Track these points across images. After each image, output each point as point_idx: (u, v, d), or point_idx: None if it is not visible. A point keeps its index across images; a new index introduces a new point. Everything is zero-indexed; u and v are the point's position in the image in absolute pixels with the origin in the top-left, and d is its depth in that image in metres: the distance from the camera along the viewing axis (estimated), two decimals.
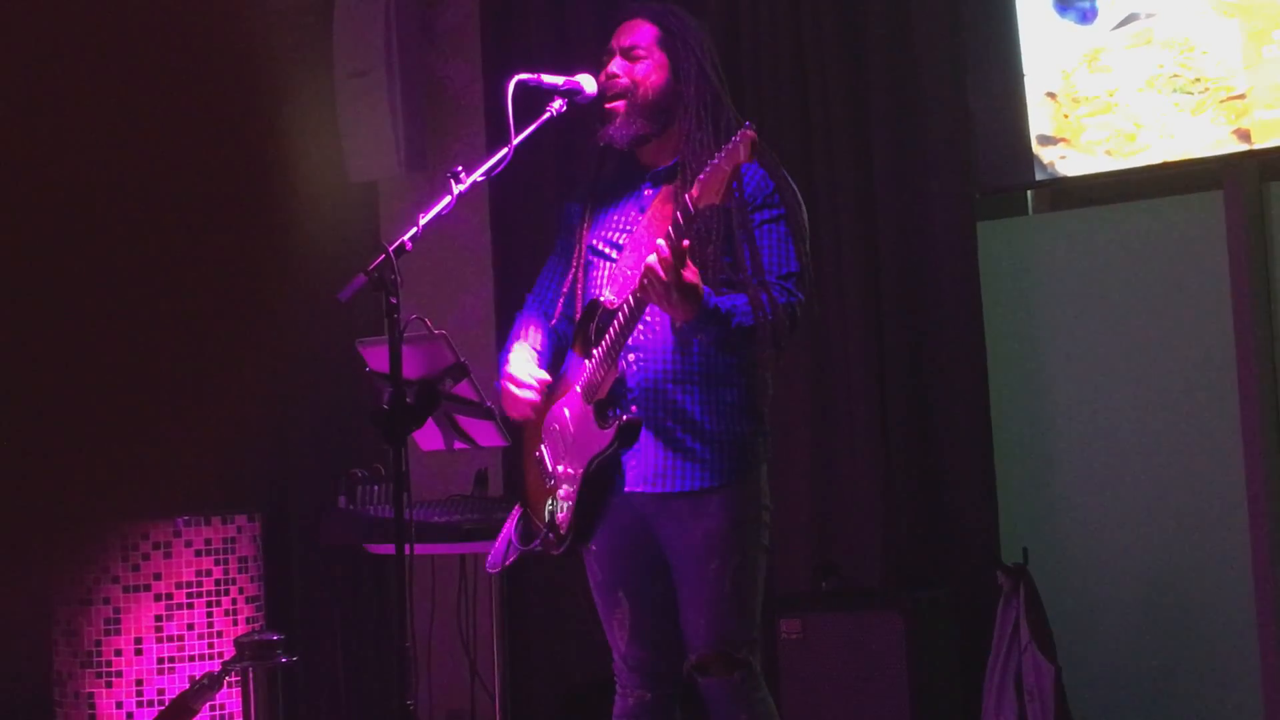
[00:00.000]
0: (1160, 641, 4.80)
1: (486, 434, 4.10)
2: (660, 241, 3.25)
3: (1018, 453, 5.00)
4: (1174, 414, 4.83)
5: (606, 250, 3.59)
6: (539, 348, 3.65)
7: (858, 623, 4.56)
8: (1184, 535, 4.80)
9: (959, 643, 4.69)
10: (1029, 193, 5.19)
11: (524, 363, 3.57)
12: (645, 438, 3.47)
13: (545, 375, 3.55)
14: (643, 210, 3.57)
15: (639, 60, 3.56)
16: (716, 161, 3.21)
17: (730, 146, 3.19)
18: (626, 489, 3.50)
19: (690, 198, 3.24)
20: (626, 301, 3.37)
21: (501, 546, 3.77)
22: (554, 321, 3.68)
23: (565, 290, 3.64)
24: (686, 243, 3.22)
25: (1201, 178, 4.79)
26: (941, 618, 4.67)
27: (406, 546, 3.29)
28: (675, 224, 3.26)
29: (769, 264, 3.43)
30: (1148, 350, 4.88)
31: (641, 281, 3.25)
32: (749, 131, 3.19)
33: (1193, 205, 4.84)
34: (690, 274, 3.21)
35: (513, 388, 3.52)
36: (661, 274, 3.20)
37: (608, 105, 3.55)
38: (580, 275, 3.61)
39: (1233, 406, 4.65)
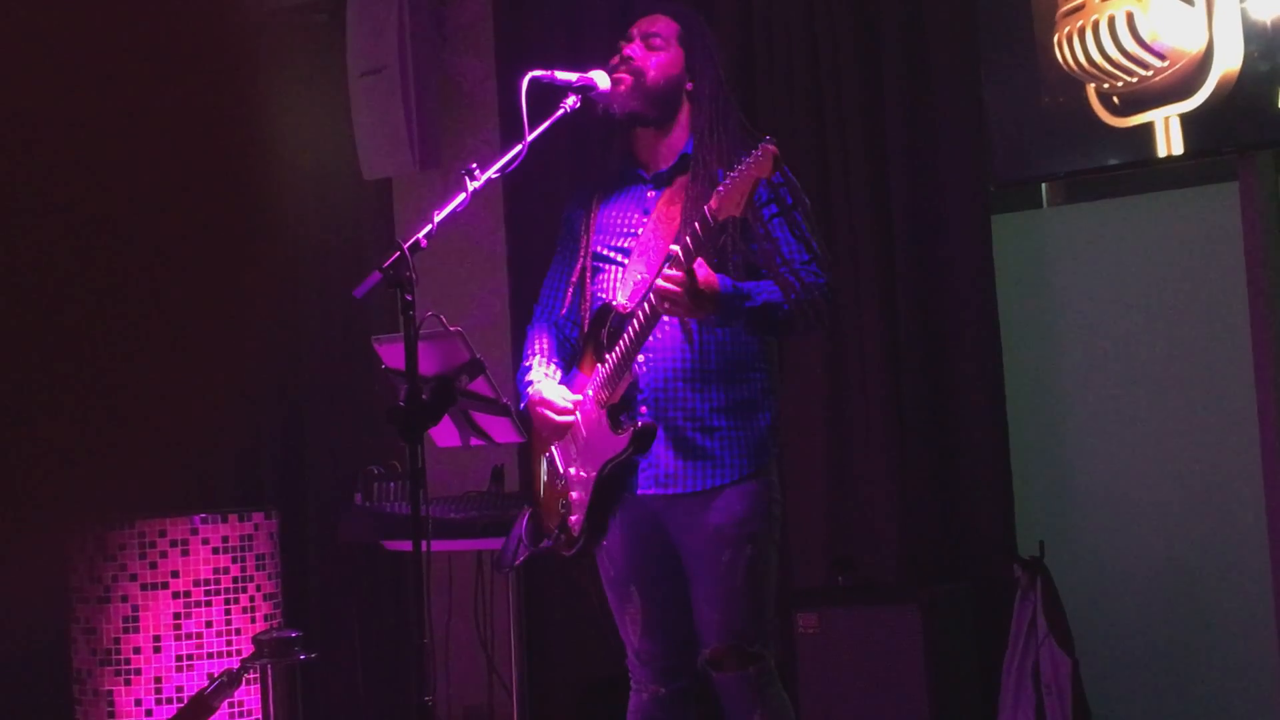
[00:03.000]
0: (1177, 634, 4.80)
1: (503, 430, 4.10)
2: (673, 247, 3.26)
3: (1033, 446, 5.00)
4: (1190, 406, 4.82)
5: (613, 255, 3.59)
6: (555, 360, 3.67)
7: (874, 617, 4.56)
8: (1201, 528, 4.79)
9: (976, 637, 4.69)
10: (1043, 185, 5.18)
11: (553, 386, 3.58)
12: (658, 439, 3.47)
13: (577, 397, 3.57)
14: (647, 213, 3.58)
15: (657, 50, 3.58)
16: (737, 175, 3.21)
17: (752, 160, 3.20)
18: (639, 491, 3.51)
19: (710, 209, 3.25)
20: (640, 308, 3.37)
21: (510, 546, 3.78)
22: (563, 312, 3.68)
23: (574, 283, 3.65)
24: (700, 261, 3.25)
25: (1217, 169, 4.78)
26: (958, 612, 4.66)
27: (423, 543, 3.30)
28: (694, 235, 3.26)
29: (788, 254, 3.44)
30: (1164, 343, 4.87)
31: (661, 304, 3.27)
32: (771, 146, 3.20)
33: (1208, 197, 4.83)
34: (704, 275, 3.24)
35: (551, 414, 3.54)
36: (677, 291, 3.23)
37: (615, 75, 3.57)
38: (587, 277, 3.62)
39: (1250, 398, 4.64)
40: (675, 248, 3.29)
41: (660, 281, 3.28)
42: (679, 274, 3.24)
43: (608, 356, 3.48)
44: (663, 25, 3.62)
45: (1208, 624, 4.76)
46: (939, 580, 4.79)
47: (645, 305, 3.36)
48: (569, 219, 3.74)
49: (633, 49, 3.60)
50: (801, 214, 3.49)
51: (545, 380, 3.60)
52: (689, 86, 3.57)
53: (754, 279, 3.42)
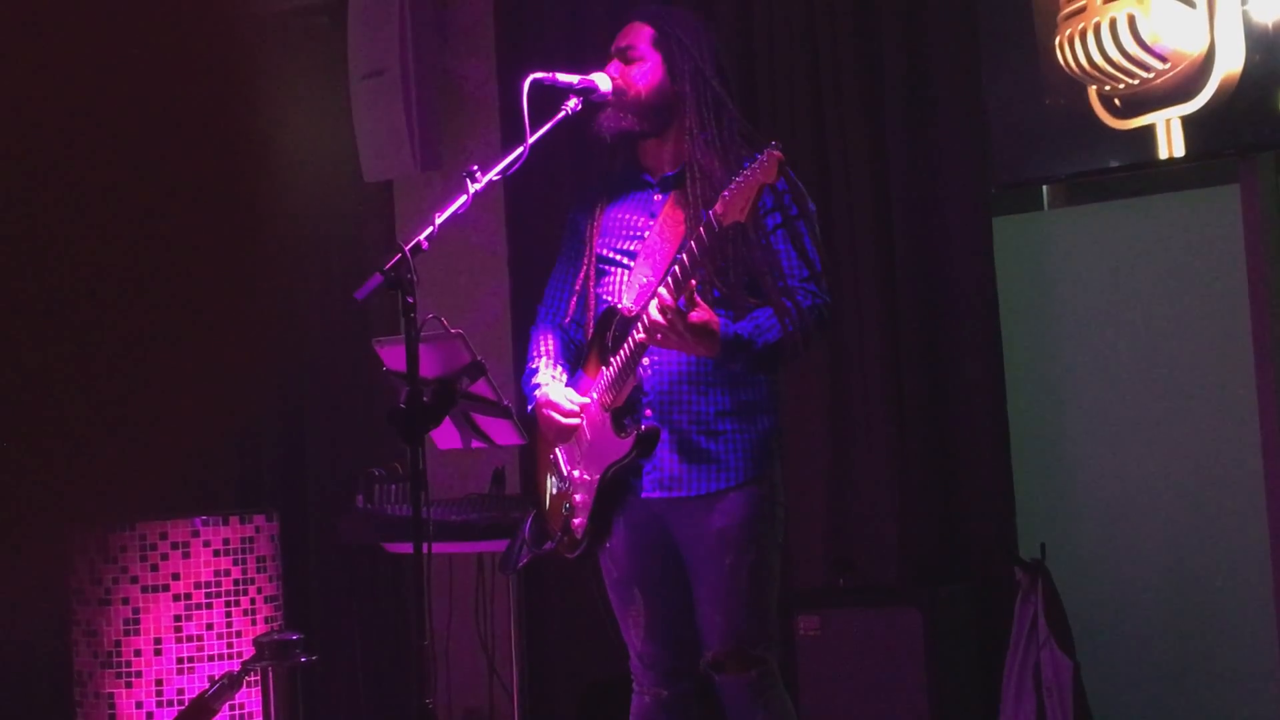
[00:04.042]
0: (1178, 636, 4.79)
1: (504, 432, 4.10)
2: (661, 290, 3.26)
3: (1034, 448, 4.99)
4: (1191, 408, 4.82)
5: (618, 258, 3.58)
6: (561, 362, 3.66)
7: (876, 619, 4.56)
8: (1202, 530, 4.79)
9: (977, 639, 4.69)
10: (1044, 187, 5.18)
11: (560, 388, 3.57)
12: (661, 442, 3.47)
13: (584, 399, 3.56)
14: (653, 216, 3.57)
15: (634, 62, 3.57)
16: (741, 180, 3.20)
17: (757, 165, 3.18)
18: (643, 495, 3.50)
19: (715, 214, 3.23)
20: (646, 311, 3.36)
21: (514, 548, 3.77)
22: (567, 320, 3.68)
23: (578, 289, 3.64)
24: (694, 282, 3.23)
25: (1218, 171, 4.78)
26: (959, 614, 4.66)
27: (424, 545, 3.30)
28: (700, 241, 3.25)
29: (788, 269, 3.43)
30: (1165, 345, 4.87)
31: (651, 334, 3.27)
32: (776, 152, 3.18)
33: (1209, 199, 4.83)
34: (699, 315, 3.23)
35: (558, 415, 3.53)
36: (663, 321, 3.23)
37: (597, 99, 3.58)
38: (591, 280, 3.61)
39: (1251, 401, 4.63)
40: (662, 290, 3.28)
41: (650, 308, 3.28)
42: (669, 302, 3.24)
43: (612, 360, 3.47)
44: (636, 34, 3.59)
45: (1209, 626, 4.76)
46: (940, 582, 4.79)
47: (648, 314, 3.36)
48: (573, 221, 3.73)
49: (611, 67, 3.59)
50: (805, 225, 3.47)
51: (552, 383, 3.59)
52: (675, 88, 3.55)
53: (753, 294, 3.41)
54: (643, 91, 3.54)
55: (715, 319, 3.29)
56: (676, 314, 3.23)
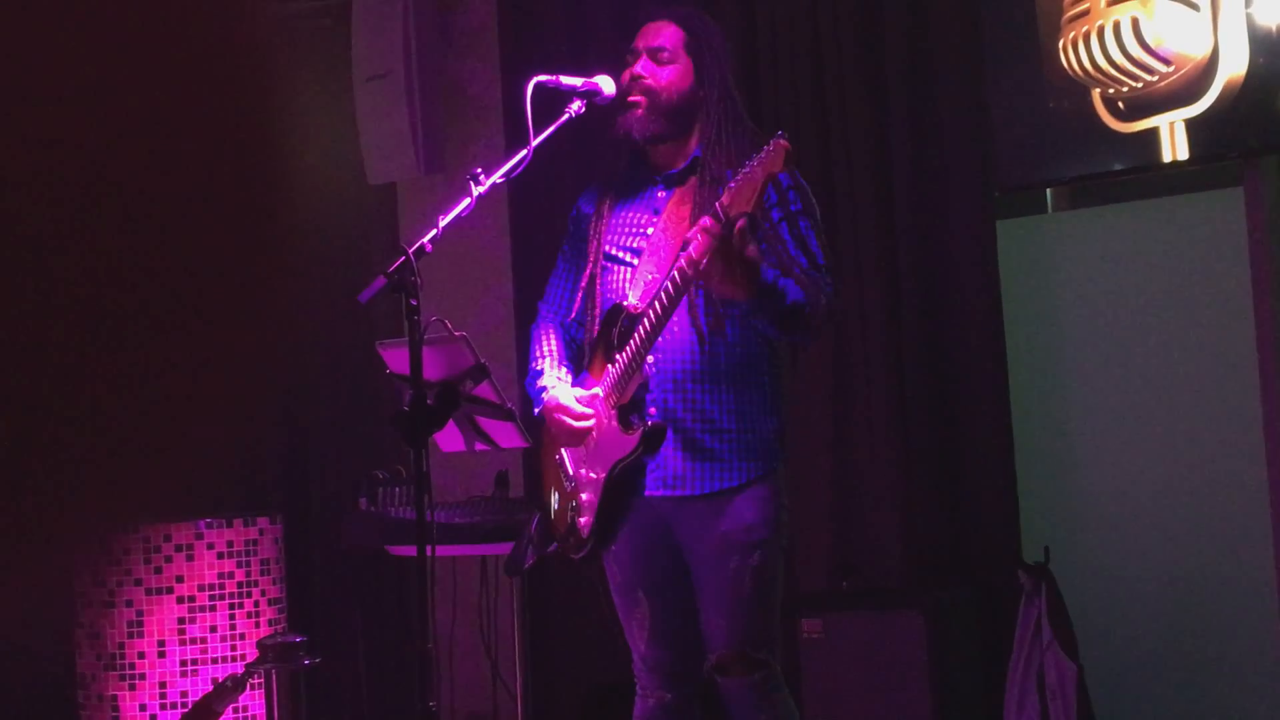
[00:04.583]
0: (1183, 640, 4.79)
1: (507, 435, 4.10)
2: (706, 220, 3.19)
3: (1038, 451, 4.99)
4: (1195, 412, 4.82)
5: (623, 255, 3.57)
6: (565, 363, 3.65)
7: (879, 622, 4.56)
8: (1206, 533, 4.78)
9: (980, 642, 4.68)
10: (1048, 190, 5.18)
11: (568, 391, 3.56)
12: (666, 440, 3.46)
13: (593, 394, 3.54)
14: (657, 213, 3.56)
15: (666, 64, 3.54)
16: (749, 170, 3.18)
17: (764, 156, 3.17)
18: (646, 493, 3.49)
19: (721, 205, 3.21)
20: (651, 308, 3.36)
21: (521, 550, 3.77)
22: (571, 315, 3.67)
23: (584, 285, 3.63)
24: (742, 222, 3.16)
25: (1222, 174, 4.78)
26: (963, 617, 4.66)
27: (428, 548, 3.30)
28: (705, 229, 3.24)
29: (796, 260, 3.43)
30: (1169, 348, 4.87)
31: (699, 259, 3.18)
32: (783, 141, 3.16)
33: (1213, 202, 4.83)
34: (753, 250, 3.17)
35: (569, 419, 3.52)
36: (715, 235, 3.13)
37: (630, 99, 3.54)
38: (597, 281, 3.60)
39: (1254, 403, 4.63)
40: (700, 233, 3.21)
41: (701, 233, 3.19)
42: (715, 225, 3.17)
43: (618, 357, 3.46)
44: (668, 35, 3.57)
45: (1214, 630, 4.76)
46: (943, 586, 4.79)
47: (656, 305, 3.34)
48: (578, 219, 3.73)
49: (642, 67, 3.56)
50: (808, 221, 3.47)
51: (559, 385, 3.58)
52: (700, 94, 3.55)
53: None
54: (674, 95, 3.53)
55: (760, 256, 3.24)
56: (723, 232, 3.15)
